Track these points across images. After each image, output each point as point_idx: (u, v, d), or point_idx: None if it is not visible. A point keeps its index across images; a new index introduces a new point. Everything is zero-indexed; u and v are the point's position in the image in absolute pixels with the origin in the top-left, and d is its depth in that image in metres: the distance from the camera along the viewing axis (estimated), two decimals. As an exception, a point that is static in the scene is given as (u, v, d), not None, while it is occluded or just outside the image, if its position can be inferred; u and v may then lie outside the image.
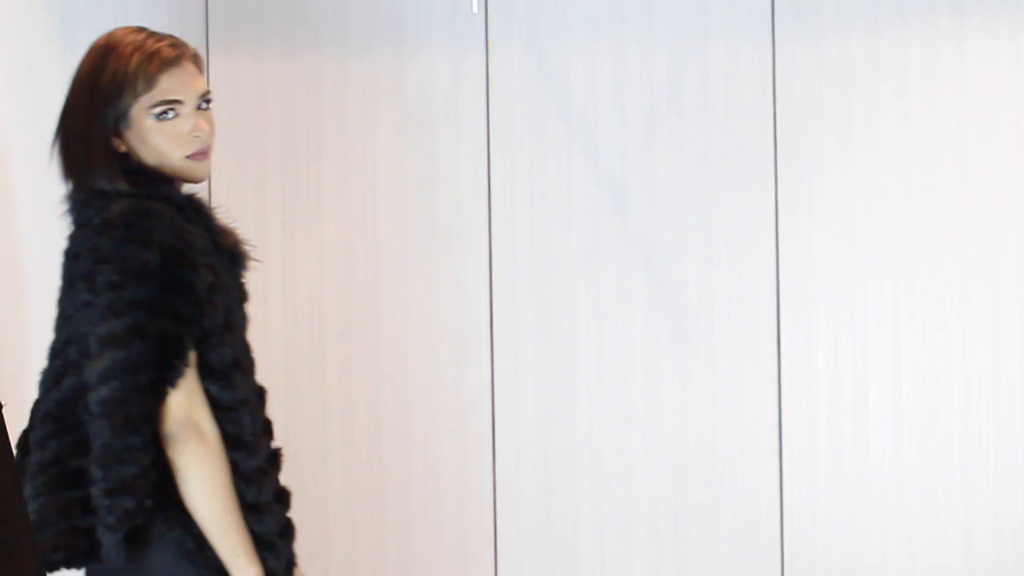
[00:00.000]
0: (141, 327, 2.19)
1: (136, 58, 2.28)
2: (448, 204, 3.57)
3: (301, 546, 2.40)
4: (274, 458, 2.37)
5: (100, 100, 2.30)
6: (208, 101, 2.34)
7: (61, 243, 2.32)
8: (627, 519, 3.51)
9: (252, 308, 2.40)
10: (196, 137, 2.31)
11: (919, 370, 3.49)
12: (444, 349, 3.56)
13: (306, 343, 3.59)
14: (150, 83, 2.28)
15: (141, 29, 2.35)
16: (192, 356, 2.23)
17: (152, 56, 2.29)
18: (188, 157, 2.31)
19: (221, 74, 3.56)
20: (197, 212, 2.32)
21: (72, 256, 2.30)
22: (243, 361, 2.33)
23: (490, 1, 3.55)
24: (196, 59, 2.36)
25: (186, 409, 2.22)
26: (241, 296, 2.38)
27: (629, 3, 3.51)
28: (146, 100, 2.29)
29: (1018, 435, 3.45)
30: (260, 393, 2.39)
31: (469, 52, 3.51)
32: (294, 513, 2.39)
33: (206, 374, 2.26)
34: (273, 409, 2.43)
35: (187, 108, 2.31)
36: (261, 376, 2.40)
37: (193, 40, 3.50)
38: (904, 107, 3.48)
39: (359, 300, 3.56)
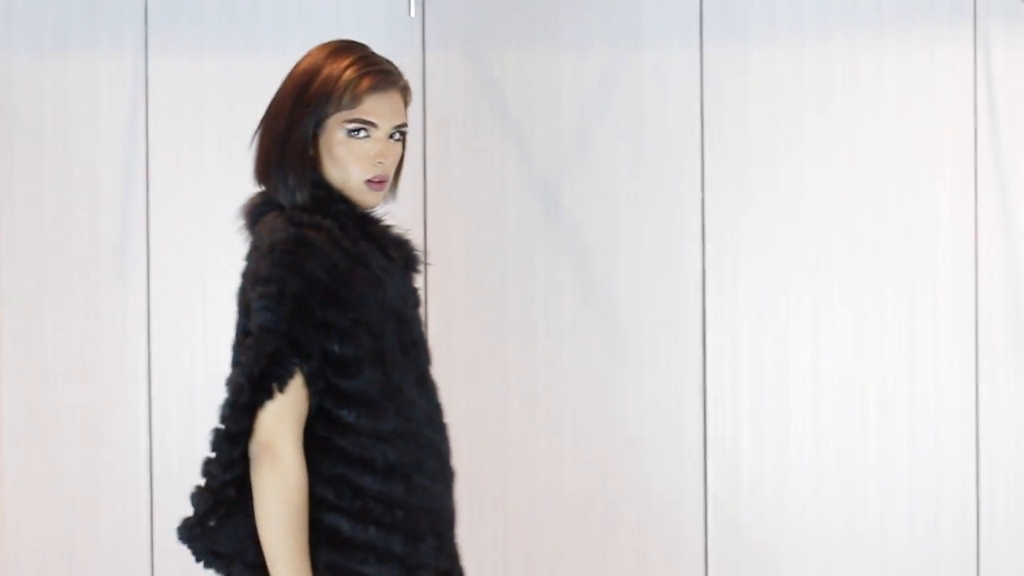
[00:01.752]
0: (260, 351, 2.24)
1: (350, 72, 2.31)
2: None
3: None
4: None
5: (307, 103, 2.33)
6: (403, 134, 2.36)
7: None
8: (557, 510, 3.57)
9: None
10: (379, 163, 2.33)
11: (837, 368, 3.57)
12: None
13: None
14: (355, 100, 2.31)
15: (362, 47, 2.39)
16: (296, 383, 2.24)
17: (365, 75, 2.31)
18: (366, 181, 2.34)
19: (160, 73, 3.59)
20: (368, 228, 2.35)
21: (242, 277, 2.38)
22: (406, 390, 2.35)
23: (427, 5, 3.58)
24: (405, 91, 2.38)
25: (268, 431, 2.23)
26: (415, 303, 2.43)
27: (563, 9, 3.56)
28: (345, 114, 2.32)
29: (930, 430, 3.55)
30: (435, 427, 2.40)
31: (405, 55, 3.52)
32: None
33: (340, 402, 2.28)
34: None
35: (380, 133, 2.33)
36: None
37: (132, 38, 3.57)
38: (825, 115, 3.56)
39: None
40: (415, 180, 3.55)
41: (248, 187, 3.51)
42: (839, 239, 3.56)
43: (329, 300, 2.26)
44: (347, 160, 2.33)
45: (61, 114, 3.57)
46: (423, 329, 2.42)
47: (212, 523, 2.31)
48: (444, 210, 3.55)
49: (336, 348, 2.26)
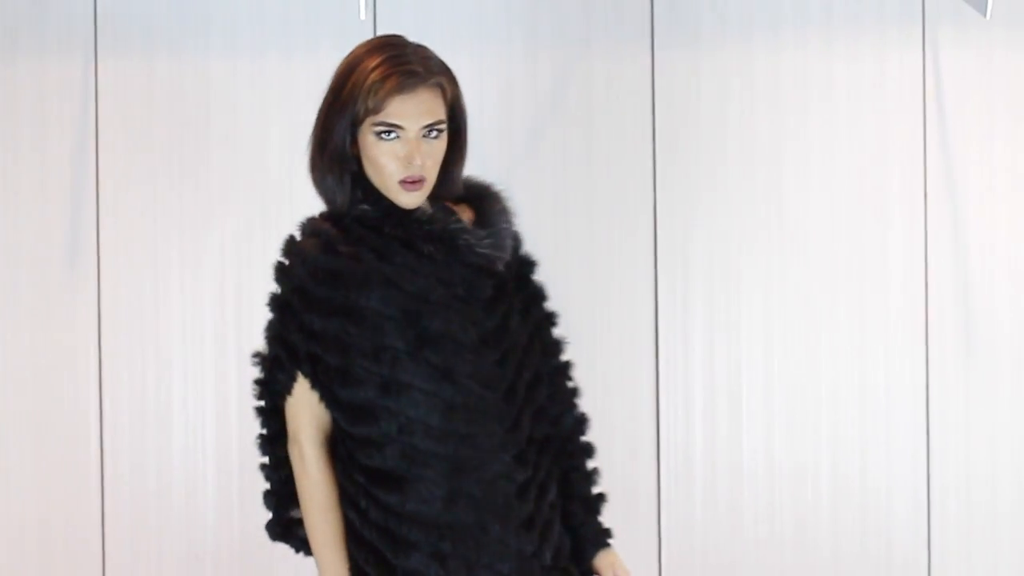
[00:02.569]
0: (265, 356, 2.43)
1: (373, 76, 2.32)
2: None
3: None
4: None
5: (339, 107, 2.36)
6: (437, 131, 2.36)
7: None
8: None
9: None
10: (410, 164, 2.34)
11: (789, 371, 3.60)
12: None
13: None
14: (378, 104, 2.32)
15: (397, 44, 2.39)
16: (302, 385, 2.37)
17: (388, 78, 2.32)
18: (400, 181, 2.36)
19: (110, 74, 3.58)
20: (391, 227, 2.38)
21: None
22: (415, 390, 2.36)
23: (378, 7, 3.59)
24: (438, 87, 2.37)
25: (293, 429, 2.40)
26: (455, 295, 2.40)
27: (515, 10, 3.58)
28: (373, 117, 2.34)
29: (881, 433, 3.58)
30: (446, 430, 2.38)
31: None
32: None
33: (336, 409, 2.37)
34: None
35: (408, 134, 2.34)
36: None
37: (81, 40, 3.54)
38: (776, 119, 3.59)
39: (257, 292, 3.58)
40: None
41: (195, 190, 3.50)
42: (790, 242, 3.59)
43: (312, 307, 2.34)
44: (380, 162, 2.35)
45: (10, 117, 3.55)
46: (479, 320, 2.41)
47: (293, 514, 2.44)
48: None
49: (322, 354, 2.34)
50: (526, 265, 2.55)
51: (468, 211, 2.50)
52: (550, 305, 2.55)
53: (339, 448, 2.39)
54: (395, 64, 2.33)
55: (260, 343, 3.45)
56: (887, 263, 3.59)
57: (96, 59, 3.56)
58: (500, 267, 2.44)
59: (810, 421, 3.59)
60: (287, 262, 2.38)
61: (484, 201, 2.51)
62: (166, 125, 3.59)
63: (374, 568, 2.35)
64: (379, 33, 3.55)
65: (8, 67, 3.55)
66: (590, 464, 2.56)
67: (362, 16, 3.49)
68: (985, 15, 3.33)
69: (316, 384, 2.36)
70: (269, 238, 3.53)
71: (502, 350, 2.43)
